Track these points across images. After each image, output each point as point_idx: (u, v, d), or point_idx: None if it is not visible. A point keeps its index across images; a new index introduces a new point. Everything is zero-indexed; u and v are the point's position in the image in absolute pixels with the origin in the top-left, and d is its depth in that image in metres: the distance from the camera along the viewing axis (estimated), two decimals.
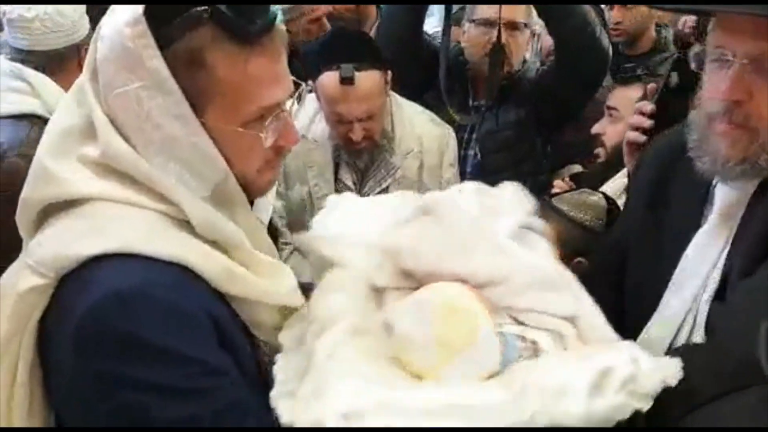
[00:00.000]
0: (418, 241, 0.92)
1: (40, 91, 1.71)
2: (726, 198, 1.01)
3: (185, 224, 0.89)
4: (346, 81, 1.73)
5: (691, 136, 1.01)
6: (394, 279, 0.92)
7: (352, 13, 3.06)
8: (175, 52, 0.85)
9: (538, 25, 2.40)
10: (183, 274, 0.86)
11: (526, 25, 2.17)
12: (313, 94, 1.88)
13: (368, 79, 1.76)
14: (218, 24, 0.85)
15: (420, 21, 2.21)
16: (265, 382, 0.91)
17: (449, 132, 2.03)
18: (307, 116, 1.91)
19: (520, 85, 2.20)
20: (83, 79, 0.92)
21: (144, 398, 0.82)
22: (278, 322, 0.96)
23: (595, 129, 2.04)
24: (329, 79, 1.76)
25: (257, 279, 0.92)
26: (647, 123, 1.31)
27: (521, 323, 0.87)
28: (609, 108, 2.00)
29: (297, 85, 0.97)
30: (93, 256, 0.83)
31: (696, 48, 1.09)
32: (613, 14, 2.60)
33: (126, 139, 0.88)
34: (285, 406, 0.82)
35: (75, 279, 0.84)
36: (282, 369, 0.89)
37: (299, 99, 0.98)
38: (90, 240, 0.84)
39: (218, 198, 0.92)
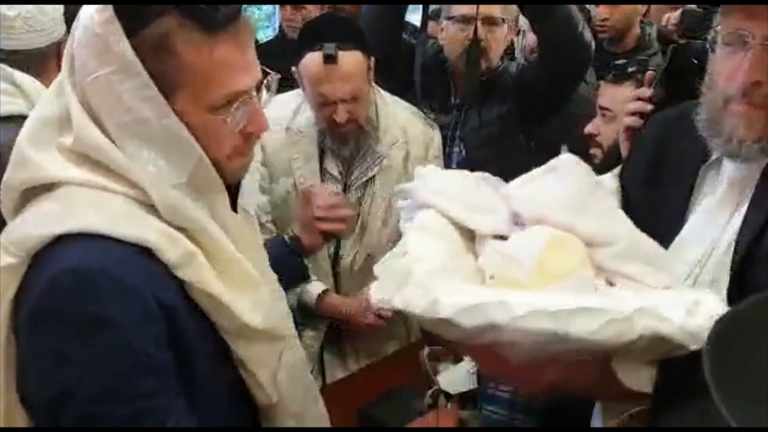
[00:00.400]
0: (534, 189, 0.96)
1: (27, 92, 1.71)
2: (735, 170, 1.03)
3: (154, 209, 0.91)
4: (329, 59, 1.71)
5: (700, 116, 1.03)
6: (498, 226, 0.95)
7: (350, 14, 3.11)
8: (143, 39, 0.88)
9: (524, 22, 2.43)
10: (142, 255, 0.89)
11: (503, 20, 2.18)
12: (295, 91, 1.89)
13: (351, 58, 1.75)
14: (184, 11, 0.88)
15: (400, 24, 2.23)
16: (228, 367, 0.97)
17: (433, 125, 2.04)
18: (290, 109, 1.91)
19: (502, 81, 2.21)
20: (62, 72, 0.96)
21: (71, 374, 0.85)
22: (237, 327, 0.98)
23: (589, 129, 2.02)
24: (312, 59, 1.75)
25: (218, 282, 0.94)
26: (648, 107, 1.33)
27: (613, 285, 0.91)
28: (602, 108, 1.97)
29: (266, 74, 1.00)
30: (57, 236, 0.87)
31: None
32: (599, 11, 2.62)
33: (100, 126, 0.92)
34: (398, 299, 0.84)
35: (40, 258, 0.89)
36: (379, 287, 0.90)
37: (268, 88, 1.01)
38: (57, 221, 0.89)
39: (196, 185, 0.94)
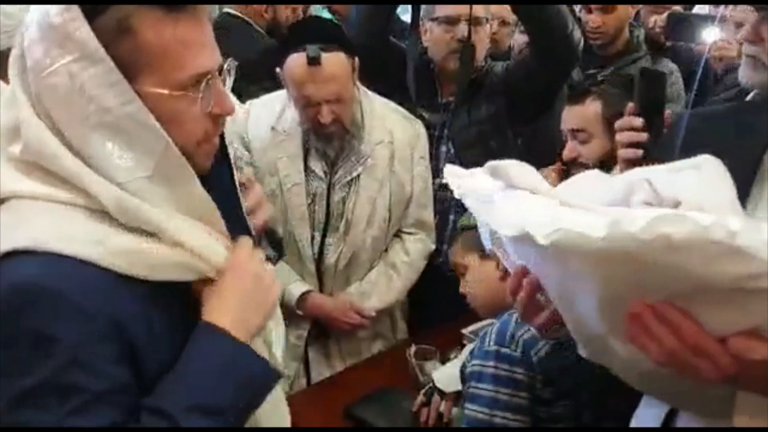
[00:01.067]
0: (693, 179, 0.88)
1: None
2: None
3: (106, 216, 0.89)
4: (313, 61, 1.73)
5: None
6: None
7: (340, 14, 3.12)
8: (103, 23, 0.86)
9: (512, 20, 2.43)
10: (91, 270, 0.86)
11: (486, 19, 2.20)
12: (281, 91, 1.90)
13: (335, 60, 1.76)
14: None
15: (388, 24, 2.24)
16: None
17: (419, 126, 2.05)
18: (276, 110, 1.92)
19: (488, 80, 2.22)
20: (12, 79, 0.92)
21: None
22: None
23: (568, 154, 1.91)
24: (296, 60, 1.77)
25: (187, 258, 0.91)
26: (643, 136, 1.30)
27: None
28: (574, 131, 1.86)
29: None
30: (3, 253, 0.85)
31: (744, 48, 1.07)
32: (591, 18, 2.60)
33: (54, 127, 0.88)
34: None
35: None
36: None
37: (229, 73, 1.00)
38: (3, 237, 0.86)
39: (164, 176, 0.91)
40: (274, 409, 1.07)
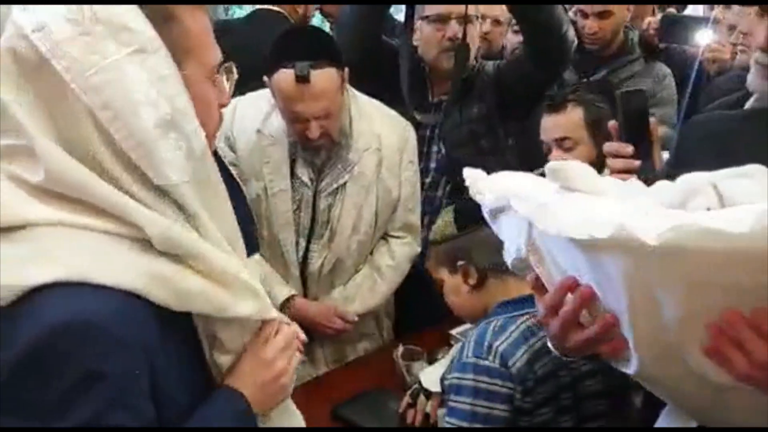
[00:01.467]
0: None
1: None
2: None
3: (137, 242, 0.83)
4: (302, 79, 1.70)
5: None
6: None
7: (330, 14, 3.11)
8: (152, 12, 0.84)
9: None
10: (131, 301, 0.81)
11: (477, 17, 2.20)
12: (267, 91, 1.88)
13: (324, 77, 1.73)
14: None
15: (380, 24, 2.23)
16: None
17: (409, 129, 2.03)
18: (262, 111, 1.89)
19: (480, 79, 2.22)
20: (6, 98, 0.81)
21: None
22: (238, 344, 0.93)
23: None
24: (284, 77, 1.73)
25: (217, 291, 0.87)
26: (636, 164, 1.28)
27: None
28: (557, 140, 1.86)
29: None
30: (40, 286, 0.78)
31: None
32: (588, 24, 2.58)
33: (110, 123, 0.81)
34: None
35: (19, 307, 0.78)
36: None
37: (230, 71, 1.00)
38: (36, 268, 0.78)
39: (199, 177, 0.87)
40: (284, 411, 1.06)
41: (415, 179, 2.05)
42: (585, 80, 2.51)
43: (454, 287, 1.55)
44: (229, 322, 0.91)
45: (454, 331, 1.94)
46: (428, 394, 1.66)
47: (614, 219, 0.73)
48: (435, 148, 2.23)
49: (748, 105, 1.16)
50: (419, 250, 2.06)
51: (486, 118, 2.21)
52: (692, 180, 0.88)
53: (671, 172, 1.01)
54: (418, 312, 2.05)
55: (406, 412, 1.70)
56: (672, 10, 2.97)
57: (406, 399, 1.71)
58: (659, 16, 2.74)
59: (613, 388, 1.40)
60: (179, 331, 0.88)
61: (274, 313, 0.98)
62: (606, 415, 1.41)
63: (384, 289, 2.03)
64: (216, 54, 0.93)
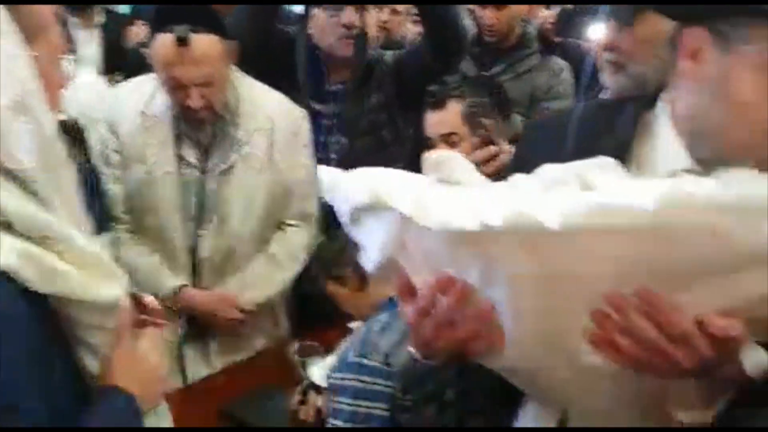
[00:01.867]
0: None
1: None
2: None
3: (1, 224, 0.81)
4: (181, 42, 1.66)
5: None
6: None
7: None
8: None
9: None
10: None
11: (374, 6, 2.23)
12: (151, 74, 1.80)
13: (205, 41, 1.70)
14: None
15: (273, 12, 2.19)
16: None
17: (302, 113, 1.99)
18: (146, 93, 1.83)
19: (379, 68, 2.22)
20: None
21: None
22: (97, 320, 0.89)
23: None
24: (163, 41, 1.69)
25: (79, 274, 0.84)
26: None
27: None
28: (444, 135, 1.86)
29: None
30: None
31: None
32: (486, 15, 2.62)
33: None
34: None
35: None
36: None
37: None
38: None
39: (49, 160, 0.84)
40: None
41: (311, 166, 1.99)
42: (482, 74, 2.54)
43: (337, 293, 1.62)
44: (91, 307, 0.87)
45: (352, 325, 1.89)
46: (319, 390, 1.62)
47: (509, 206, 0.71)
48: (334, 139, 2.20)
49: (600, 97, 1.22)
50: (316, 238, 2.00)
51: (385, 107, 2.21)
52: (551, 170, 0.85)
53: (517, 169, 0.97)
54: (318, 307, 2.00)
55: (300, 409, 1.64)
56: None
57: (296, 395, 1.66)
58: (554, 9, 2.79)
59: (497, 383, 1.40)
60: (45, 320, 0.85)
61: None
62: (491, 410, 1.41)
63: (281, 278, 1.96)
64: (59, 35, 0.92)
